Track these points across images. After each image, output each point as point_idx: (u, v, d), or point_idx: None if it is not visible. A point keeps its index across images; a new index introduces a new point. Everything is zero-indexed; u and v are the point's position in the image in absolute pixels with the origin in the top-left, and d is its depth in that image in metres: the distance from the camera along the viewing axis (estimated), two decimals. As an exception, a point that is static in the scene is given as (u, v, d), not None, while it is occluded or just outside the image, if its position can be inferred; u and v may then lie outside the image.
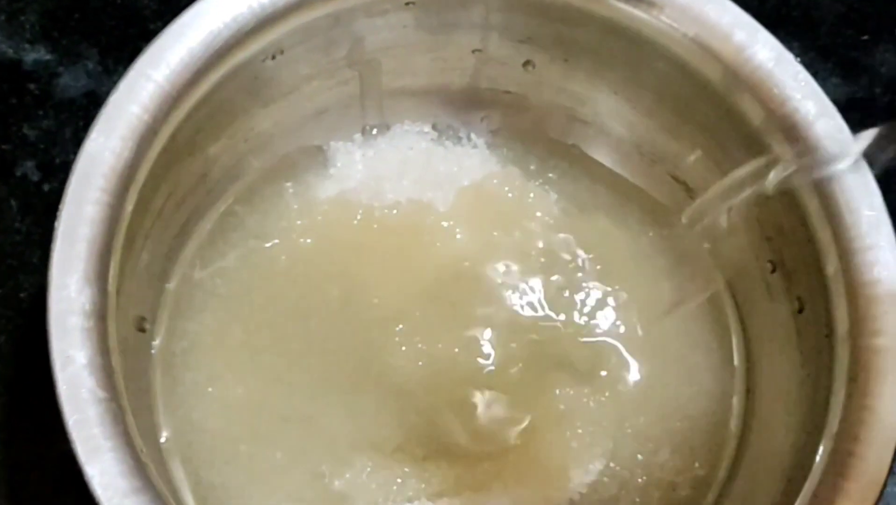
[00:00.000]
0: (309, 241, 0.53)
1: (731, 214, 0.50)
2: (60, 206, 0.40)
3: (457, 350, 0.51)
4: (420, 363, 0.50)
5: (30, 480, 0.51)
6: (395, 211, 0.53)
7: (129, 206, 0.42)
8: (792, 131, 0.45)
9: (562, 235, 0.53)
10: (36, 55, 0.60)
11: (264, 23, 0.45)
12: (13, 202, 0.56)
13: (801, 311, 0.47)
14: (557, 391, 0.50)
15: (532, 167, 0.55)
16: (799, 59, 0.45)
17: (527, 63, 0.53)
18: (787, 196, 0.45)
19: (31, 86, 0.59)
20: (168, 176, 0.46)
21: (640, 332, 0.52)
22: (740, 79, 0.46)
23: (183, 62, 0.43)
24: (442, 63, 0.53)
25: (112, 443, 0.37)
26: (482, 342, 0.51)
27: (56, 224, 0.39)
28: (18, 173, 0.57)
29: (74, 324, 0.38)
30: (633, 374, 0.51)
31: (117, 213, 0.41)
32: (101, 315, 0.39)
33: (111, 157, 0.41)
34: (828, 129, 0.44)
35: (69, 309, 0.38)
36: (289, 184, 0.54)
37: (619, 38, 0.49)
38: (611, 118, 0.54)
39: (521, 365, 0.51)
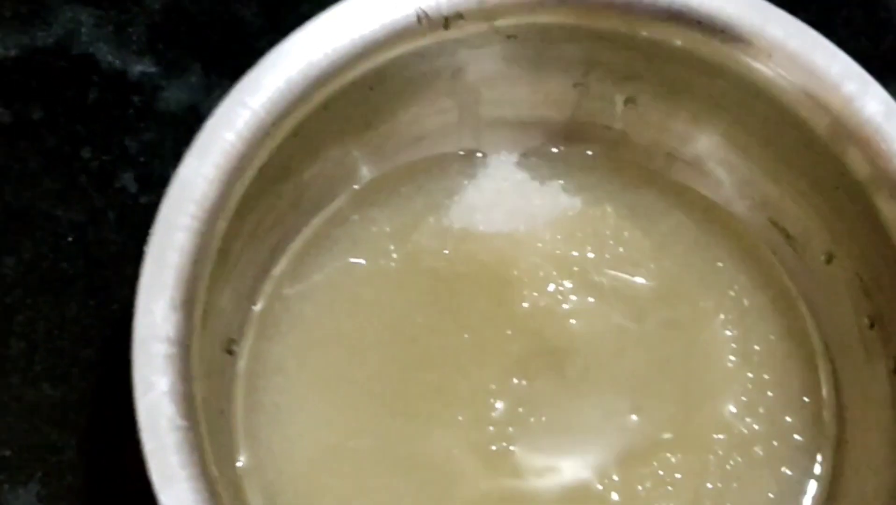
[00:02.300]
0: (398, 267, 0.53)
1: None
2: (151, 231, 0.40)
3: (550, 386, 0.50)
4: (507, 399, 0.50)
5: (108, 500, 0.52)
6: (485, 243, 0.53)
7: (220, 232, 0.42)
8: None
9: (657, 279, 0.52)
10: (142, 67, 0.60)
11: (364, 53, 0.45)
12: (110, 213, 0.57)
13: (898, 370, 0.45)
14: (646, 455, 0.50)
15: (629, 206, 0.54)
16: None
17: (629, 100, 0.52)
18: (889, 251, 0.44)
19: (135, 98, 0.60)
20: (260, 201, 0.46)
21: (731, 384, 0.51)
22: (847, 131, 0.45)
23: (280, 91, 0.43)
24: (542, 96, 0.53)
25: (188, 472, 0.37)
26: (570, 381, 0.51)
27: (145, 248, 0.40)
28: (117, 185, 0.58)
29: (158, 350, 0.39)
30: (717, 426, 0.50)
31: (207, 240, 0.41)
32: (185, 342, 0.39)
33: (203, 183, 0.41)
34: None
35: (153, 335, 0.39)
36: (381, 209, 0.54)
37: (724, 81, 0.48)
38: (712, 160, 0.53)
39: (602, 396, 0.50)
